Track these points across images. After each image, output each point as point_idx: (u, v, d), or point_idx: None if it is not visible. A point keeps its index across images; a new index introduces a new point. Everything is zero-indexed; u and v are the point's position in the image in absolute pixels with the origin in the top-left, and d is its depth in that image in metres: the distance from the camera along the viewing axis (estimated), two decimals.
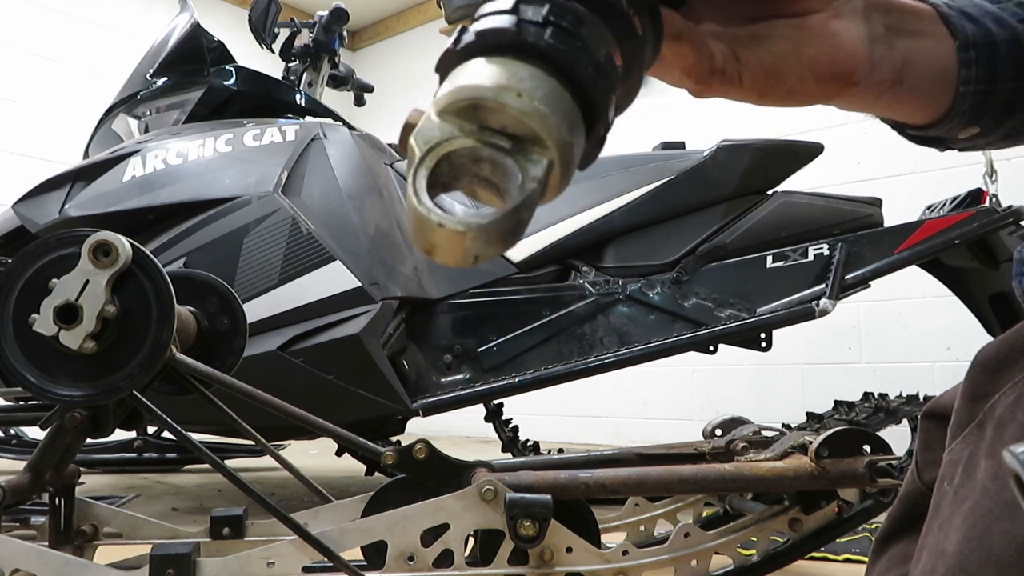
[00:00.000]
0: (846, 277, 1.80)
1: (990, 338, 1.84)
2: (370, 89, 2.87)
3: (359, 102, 2.88)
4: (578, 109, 0.32)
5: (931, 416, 0.49)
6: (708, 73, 0.42)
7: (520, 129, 0.31)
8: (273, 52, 2.45)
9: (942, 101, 0.46)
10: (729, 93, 0.44)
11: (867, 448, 1.00)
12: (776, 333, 1.86)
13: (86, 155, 2.21)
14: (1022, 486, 0.25)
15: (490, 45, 0.32)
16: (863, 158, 3.22)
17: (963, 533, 0.35)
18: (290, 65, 2.54)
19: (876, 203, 1.93)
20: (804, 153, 1.95)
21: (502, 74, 0.31)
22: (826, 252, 1.82)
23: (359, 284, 1.76)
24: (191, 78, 2.16)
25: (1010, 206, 1.80)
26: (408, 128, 0.32)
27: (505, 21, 0.32)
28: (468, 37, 0.33)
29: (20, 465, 1.01)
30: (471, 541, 0.95)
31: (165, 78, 2.19)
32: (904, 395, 2.17)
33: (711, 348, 1.87)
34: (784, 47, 0.43)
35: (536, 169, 0.31)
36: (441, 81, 0.33)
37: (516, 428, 2.34)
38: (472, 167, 0.31)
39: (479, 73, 0.31)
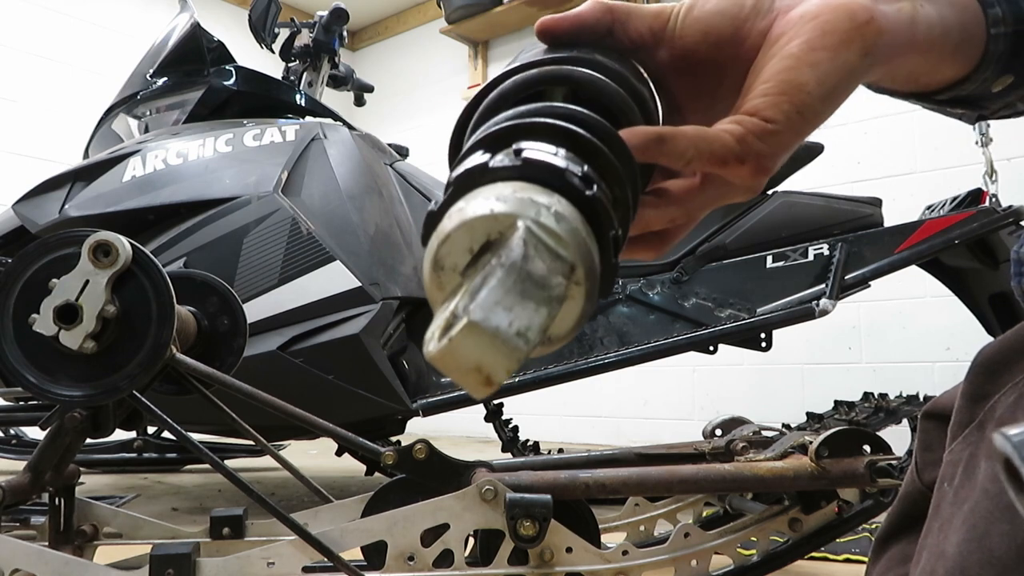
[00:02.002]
0: (846, 277, 1.80)
1: (990, 338, 1.84)
2: (370, 89, 2.87)
3: (359, 102, 2.88)
4: (599, 247, 0.31)
5: (931, 416, 0.49)
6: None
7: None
8: (273, 52, 2.45)
9: (975, 48, 0.43)
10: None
11: (867, 448, 1.00)
12: (776, 333, 1.86)
13: (86, 155, 2.21)
14: (1011, 471, 0.25)
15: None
16: (863, 158, 3.22)
17: (963, 534, 0.35)
18: (290, 65, 2.54)
19: (876, 203, 1.93)
20: (804, 153, 1.95)
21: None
22: (826, 252, 1.82)
23: (359, 284, 1.76)
24: (191, 78, 2.16)
25: (1010, 206, 1.80)
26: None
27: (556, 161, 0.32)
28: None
29: (20, 465, 1.01)
30: (471, 541, 0.95)
31: (165, 78, 2.19)
32: (904, 395, 2.17)
33: (711, 348, 1.87)
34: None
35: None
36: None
37: (516, 428, 2.33)
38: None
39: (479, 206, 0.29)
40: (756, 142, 0.37)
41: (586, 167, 0.32)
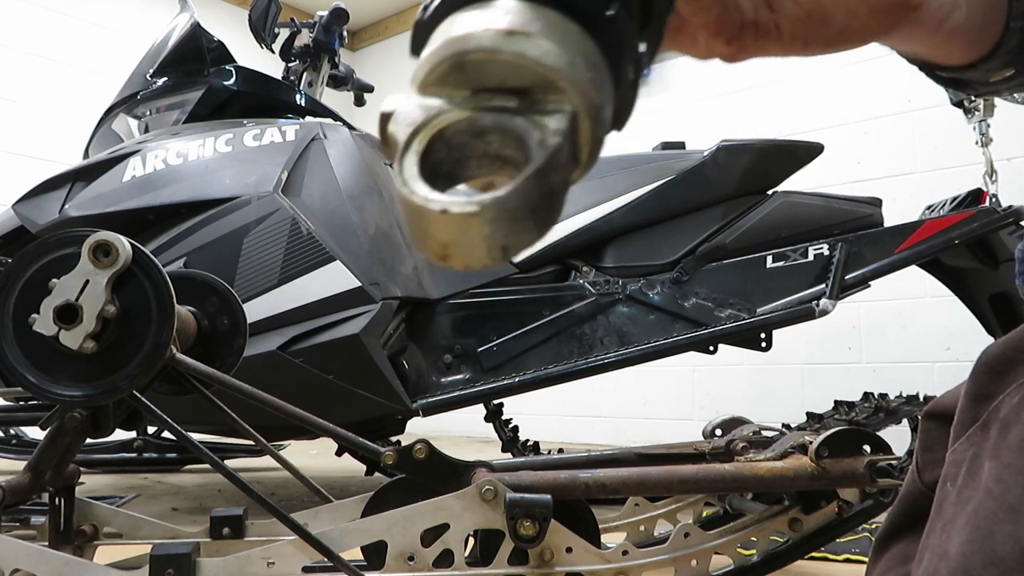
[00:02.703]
0: (846, 277, 1.80)
1: (990, 338, 1.84)
2: (370, 89, 2.87)
3: (359, 102, 2.88)
4: (595, 44, 0.25)
5: (932, 416, 0.49)
6: (739, 28, 0.37)
7: (523, 77, 0.24)
8: (273, 52, 2.45)
9: (990, 36, 0.43)
10: (767, 49, 0.38)
11: (867, 448, 1.00)
12: (776, 333, 1.86)
13: (86, 155, 2.21)
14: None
15: None
16: (863, 158, 3.21)
17: (966, 535, 0.35)
18: (290, 65, 2.53)
19: (876, 203, 1.93)
20: (804, 153, 1.95)
21: (485, 17, 0.24)
22: (826, 252, 1.82)
23: (359, 284, 1.76)
24: (191, 78, 2.16)
25: (1010, 206, 1.80)
26: (386, 118, 0.26)
27: None
28: None
29: (20, 465, 1.01)
30: (471, 541, 0.95)
31: (165, 78, 2.19)
32: (904, 395, 2.17)
33: (711, 348, 1.87)
34: None
35: (555, 120, 0.24)
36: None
37: (516, 428, 2.34)
38: (476, 144, 0.25)
39: (456, 26, 0.25)
40: (753, 43, 0.36)
41: None
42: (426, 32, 0.26)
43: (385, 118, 0.26)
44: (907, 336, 3.07)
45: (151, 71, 2.20)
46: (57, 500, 1.01)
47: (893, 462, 0.96)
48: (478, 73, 0.24)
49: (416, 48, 0.27)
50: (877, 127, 3.20)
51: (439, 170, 0.24)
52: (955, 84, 0.48)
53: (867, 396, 2.19)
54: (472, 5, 0.25)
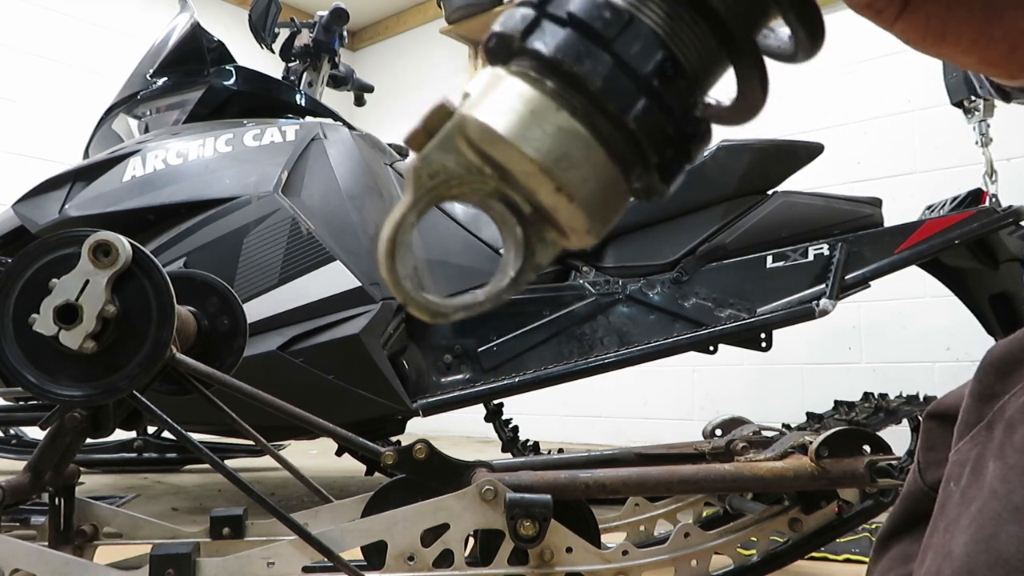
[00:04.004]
0: (846, 277, 1.80)
1: (990, 338, 1.83)
2: (370, 89, 2.87)
3: (359, 102, 2.88)
4: (624, 180, 0.27)
5: (935, 416, 0.49)
6: (863, 7, 0.36)
7: (547, 214, 0.27)
8: (273, 52, 2.45)
9: None
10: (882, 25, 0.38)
11: (867, 448, 1.00)
12: (776, 333, 1.85)
13: (86, 155, 2.21)
14: None
15: (549, 66, 0.27)
16: (863, 158, 3.21)
17: (970, 535, 0.35)
18: (290, 65, 2.53)
19: (876, 203, 1.93)
20: (804, 153, 1.95)
21: (550, 145, 0.26)
22: (826, 252, 1.82)
23: (359, 284, 1.76)
24: (191, 78, 2.16)
25: (1010, 206, 1.80)
26: (432, 124, 0.27)
27: (571, 41, 0.27)
28: (535, 40, 0.27)
29: (20, 465, 1.01)
30: (471, 541, 0.95)
31: (165, 78, 2.19)
32: (904, 395, 2.17)
33: (711, 348, 1.87)
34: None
35: (545, 255, 0.27)
36: (486, 61, 0.28)
37: (516, 428, 2.33)
38: (476, 201, 0.27)
39: (524, 119, 0.26)
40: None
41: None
42: (502, 57, 0.28)
43: (432, 123, 0.27)
44: (907, 336, 3.07)
45: (151, 71, 2.20)
46: (57, 500, 1.01)
47: (893, 462, 0.96)
48: (517, 179, 0.26)
49: (492, 57, 0.28)
50: (877, 127, 3.20)
51: (434, 192, 0.27)
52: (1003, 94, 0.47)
53: (867, 396, 2.19)
54: (544, 91, 0.26)
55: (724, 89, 0.31)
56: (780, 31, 0.32)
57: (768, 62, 0.30)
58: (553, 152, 0.26)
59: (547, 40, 0.27)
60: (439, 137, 0.27)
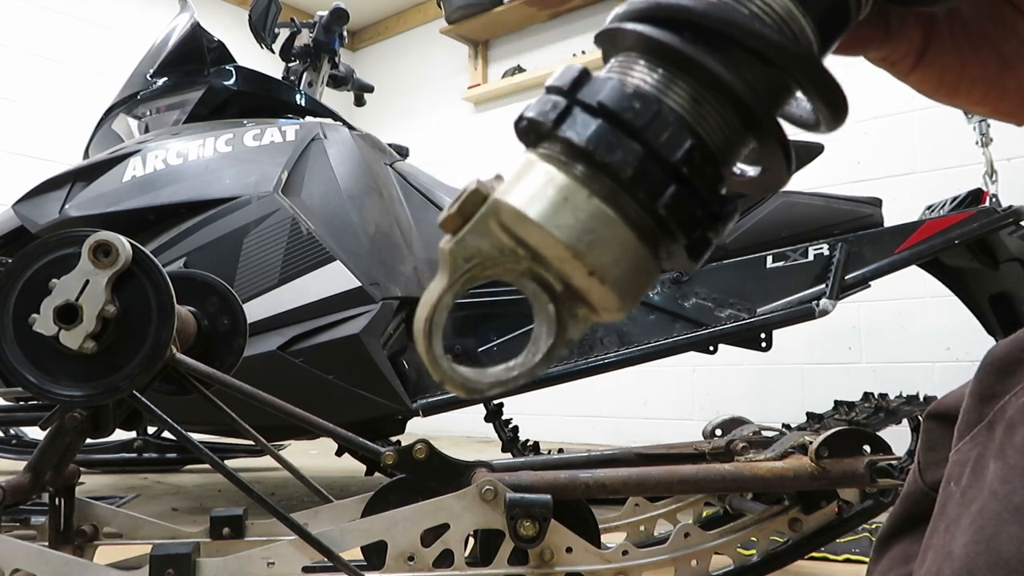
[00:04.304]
0: (846, 277, 1.80)
1: (990, 338, 1.83)
2: (370, 89, 2.87)
3: (359, 102, 2.88)
4: (654, 260, 0.28)
5: (935, 416, 0.49)
6: (879, 60, 0.38)
7: (579, 294, 0.28)
8: (273, 52, 2.45)
9: None
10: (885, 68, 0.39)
11: (867, 448, 1.00)
12: (776, 333, 1.85)
13: (86, 155, 2.21)
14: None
15: (580, 155, 0.28)
16: (863, 158, 3.21)
17: (971, 536, 0.35)
18: (290, 65, 2.53)
19: (876, 203, 1.93)
20: (804, 153, 1.95)
21: (583, 230, 0.27)
22: (826, 252, 1.82)
23: (359, 284, 1.76)
24: (191, 78, 2.16)
25: (1010, 206, 1.80)
26: (467, 209, 0.28)
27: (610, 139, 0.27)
28: (567, 129, 0.28)
29: (20, 465, 1.01)
30: (471, 541, 0.95)
31: (165, 78, 2.19)
32: (904, 395, 2.17)
33: (711, 348, 1.87)
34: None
35: (576, 330, 0.28)
36: (529, 136, 0.29)
37: (516, 428, 2.33)
38: (510, 280, 0.28)
39: (557, 205, 0.27)
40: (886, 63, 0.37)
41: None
42: (547, 137, 0.29)
43: (467, 208, 0.28)
44: (907, 336, 3.07)
45: (151, 71, 2.20)
46: (57, 500, 1.01)
47: (893, 462, 0.96)
48: (550, 262, 0.27)
49: (524, 140, 0.29)
50: (877, 127, 3.20)
51: (469, 274, 0.28)
52: None
53: (867, 396, 2.19)
54: (583, 184, 0.27)
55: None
56: (804, 102, 0.33)
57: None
58: (585, 237, 0.27)
59: (579, 130, 0.27)
60: (474, 221, 0.28)
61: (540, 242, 0.27)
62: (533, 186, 0.27)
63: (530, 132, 0.29)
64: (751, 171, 0.32)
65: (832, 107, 0.31)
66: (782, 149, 0.30)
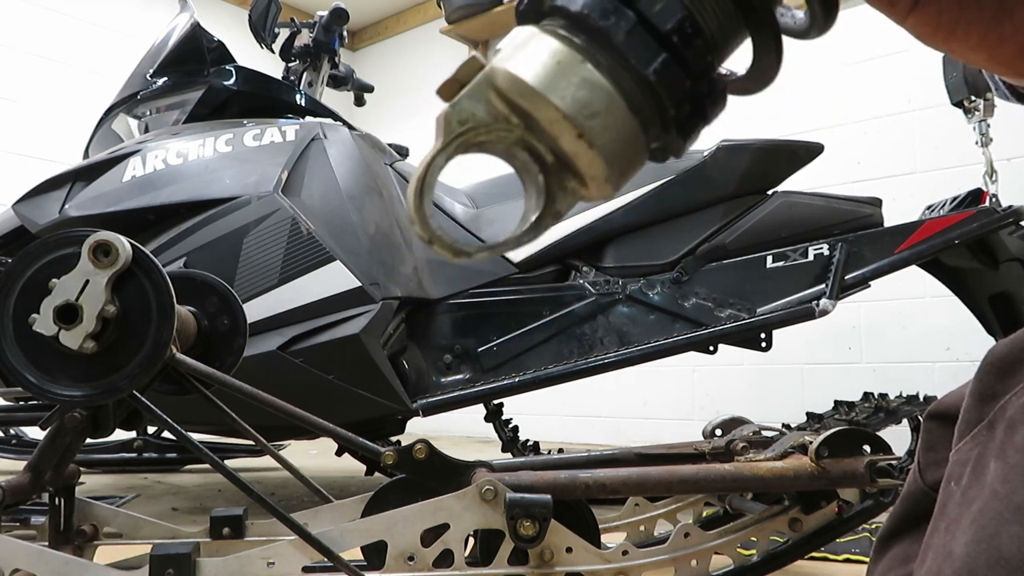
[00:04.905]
0: (846, 277, 1.80)
1: (990, 338, 1.83)
2: (370, 89, 2.87)
3: (359, 102, 2.88)
4: (643, 134, 0.29)
5: (935, 416, 0.49)
6: (878, 1, 0.38)
7: (568, 161, 0.28)
8: (273, 52, 2.45)
9: None
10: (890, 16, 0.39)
11: (867, 448, 1.00)
12: (776, 333, 1.85)
13: (86, 155, 2.21)
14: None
15: (576, 22, 0.28)
16: (863, 158, 3.21)
17: (971, 535, 0.35)
18: (290, 65, 2.53)
19: (876, 203, 1.93)
20: (804, 153, 1.95)
21: (575, 95, 0.28)
22: (826, 252, 1.82)
23: (359, 284, 1.76)
24: (191, 78, 2.16)
25: (1010, 206, 1.80)
26: (463, 76, 0.29)
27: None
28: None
29: (20, 465, 1.01)
30: (471, 541, 0.95)
31: (165, 78, 2.19)
32: (904, 395, 2.17)
33: (711, 348, 1.87)
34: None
35: (565, 203, 0.29)
36: (519, 19, 0.30)
37: (516, 428, 2.33)
38: (501, 150, 0.29)
39: (551, 71, 0.28)
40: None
41: None
42: (532, 15, 0.30)
43: (463, 74, 0.29)
44: (907, 336, 3.07)
45: (151, 71, 2.20)
46: (57, 500, 1.01)
47: (893, 462, 0.96)
48: (540, 124, 0.28)
49: (522, 17, 0.30)
50: (877, 127, 3.20)
51: (462, 138, 0.29)
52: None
53: (867, 396, 2.19)
54: (573, 45, 0.28)
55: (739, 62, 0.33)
56: (795, 12, 0.34)
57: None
58: (577, 101, 0.27)
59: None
60: (470, 87, 0.29)
61: (532, 106, 0.28)
62: (529, 54, 0.28)
63: (530, 11, 0.30)
64: (740, 72, 0.33)
65: (824, 2, 0.32)
66: (774, 40, 0.31)
